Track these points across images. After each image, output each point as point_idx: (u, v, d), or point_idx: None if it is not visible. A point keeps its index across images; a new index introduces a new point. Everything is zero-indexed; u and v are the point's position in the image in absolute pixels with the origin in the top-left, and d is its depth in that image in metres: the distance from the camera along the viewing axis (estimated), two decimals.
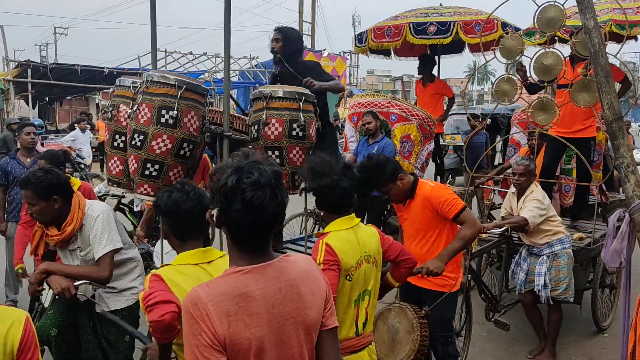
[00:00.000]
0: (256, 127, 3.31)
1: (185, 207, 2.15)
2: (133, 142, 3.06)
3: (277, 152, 3.29)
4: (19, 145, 5.88)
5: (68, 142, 12.48)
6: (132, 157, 3.09)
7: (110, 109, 3.37)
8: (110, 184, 3.45)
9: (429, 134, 6.80)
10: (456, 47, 7.71)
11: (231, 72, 22.21)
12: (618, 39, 5.83)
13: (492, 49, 5.76)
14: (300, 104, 3.27)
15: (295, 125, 3.26)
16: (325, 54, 24.28)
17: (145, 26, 3.81)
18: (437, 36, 6.58)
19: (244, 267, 1.53)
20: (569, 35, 5.51)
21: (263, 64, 22.81)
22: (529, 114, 5.42)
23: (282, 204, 1.54)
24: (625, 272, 1.99)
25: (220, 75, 21.37)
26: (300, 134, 3.29)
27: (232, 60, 22.22)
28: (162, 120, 2.99)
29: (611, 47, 5.63)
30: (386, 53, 8.00)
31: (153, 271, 2.07)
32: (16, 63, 17.23)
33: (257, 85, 17.58)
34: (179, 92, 3.00)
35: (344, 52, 28.38)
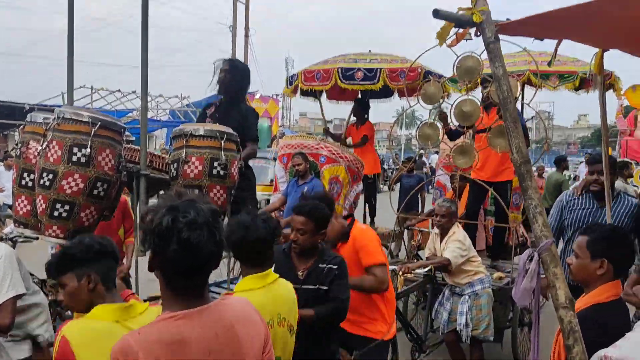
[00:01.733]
0: (175, 165, 3.22)
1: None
2: (41, 182, 2.88)
3: (196, 192, 3.20)
4: None
5: None
6: (41, 197, 2.91)
7: (19, 145, 3.17)
8: (16, 224, 3.22)
9: (357, 176, 6.90)
10: (387, 92, 7.96)
11: (161, 110, 21.93)
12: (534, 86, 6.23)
13: (415, 95, 5.98)
14: (222, 142, 3.21)
15: (216, 164, 3.20)
16: (257, 96, 24.43)
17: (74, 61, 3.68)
18: (365, 82, 6.79)
19: (178, 312, 1.45)
20: (481, 83, 5.85)
21: (194, 103, 22.62)
22: (451, 157, 5.62)
23: (220, 243, 1.49)
24: (534, 311, 2.04)
25: (150, 114, 20.97)
26: (222, 172, 3.22)
27: (162, 99, 21.97)
28: (74, 158, 2.84)
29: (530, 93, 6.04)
30: (316, 96, 8.15)
31: (64, 331, 1.82)
32: None
33: None
34: (93, 130, 2.87)
35: (277, 95, 28.70)
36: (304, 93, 7.90)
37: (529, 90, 7.75)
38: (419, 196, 8.47)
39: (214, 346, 1.47)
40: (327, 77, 6.90)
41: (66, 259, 1.97)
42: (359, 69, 6.74)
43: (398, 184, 9.20)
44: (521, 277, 1.95)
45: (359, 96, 7.97)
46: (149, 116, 19.23)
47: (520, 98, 7.31)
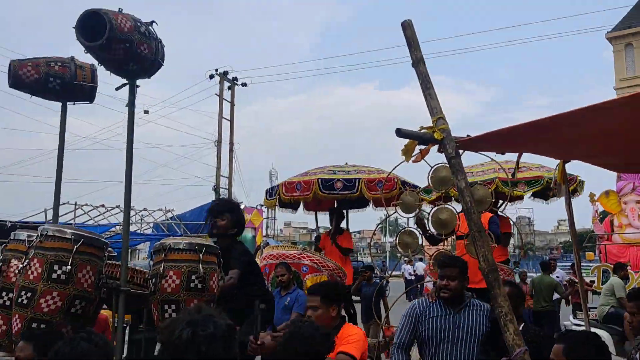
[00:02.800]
0: (154, 280, 3.23)
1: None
2: (19, 300, 2.88)
3: (173, 306, 3.16)
4: None
5: None
6: (17, 315, 2.89)
7: (0, 264, 3.19)
8: None
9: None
10: (361, 202, 8.18)
11: (145, 224, 21.93)
12: (505, 197, 6.46)
13: (392, 204, 6.15)
14: (200, 255, 3.23)
15: (193, 277, 3.19)
16: (242, 207, 24.66)
17: (51, 180, 3.81)
18: (344, 192, 7.01)
19: None
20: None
21: (178, 216, 22.70)
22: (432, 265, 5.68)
23: (235, 356, 1.54)
24: None
25: (134, 227, 20.92)
26: (200, 285, 3.21)
27: (146, 213, 22.05)
28: (54, 275, 2.86)
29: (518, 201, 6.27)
30: (294, 207, 8.32)
31: None
32: None
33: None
34: (75, 246, 2.92)
35: (261, 205, 28.97)
36: (283, 205, 8.07)
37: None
38: (381, 303, 8.39)
39: None
40: (307, 188, 7.12)
41: None
42: (338, 180, 7.00)
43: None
44: None
45: (335, 206, 8.15)
46: (132, 229, 19.25)
47: (495, 206, 7.55)
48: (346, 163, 7.84)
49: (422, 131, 2.02)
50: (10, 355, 3.09)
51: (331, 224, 8.01)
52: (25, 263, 2.95)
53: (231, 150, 27.42)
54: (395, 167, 5.68)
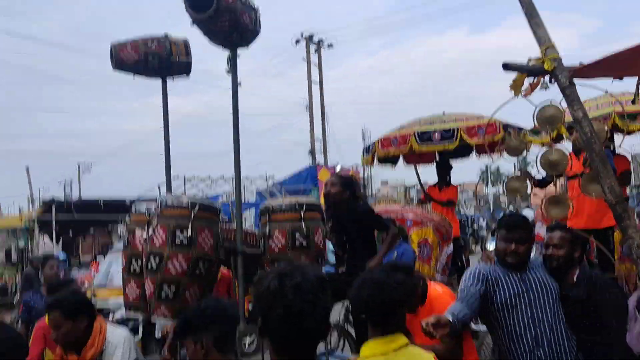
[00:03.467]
0: (262, 240, 3.35)
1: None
2: (149, 266, 3.11)
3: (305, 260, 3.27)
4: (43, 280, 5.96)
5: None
6: (149, 280, 3.13)
7: (126, 235, 3.46)
8: (127, 309, 3.45)
9: (446, 236, 6.78)
10: (464, 151, 7.89)
11: (248, 192, 22.82)
12: (622, 131, 5.96)
13: (497, 150, 5.90)
14: (302, 213, 3.31)
15: (297, 235, 3.29)
16: (338, 168, 24.85)
17: (161, 157, 4.02)
18: (443, 142, 6.79)
19: None
20: (567, 129, 5.66)
21: (279, 182, 23.40)
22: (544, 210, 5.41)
23: (326, 310, 1.46)
24: None
25: None
26: (304, 243, 3.30)
27: (249, 181, 22.94)
28: (177, 241, 3.06)
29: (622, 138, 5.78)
30: (393, 162, 8.22)
31: None
32: (41, 202, 17.88)
33: None
34: (193, 212, 3.09)
35: (357, 166, 29.04)
36: (382, 160, 7.99)
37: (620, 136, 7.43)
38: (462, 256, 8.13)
39: None
40: (403, 142, 6.98)
41: (184, 325, 2.10)
42: (435, 131, 6.78)
43: None
44: (633, 322, 1.84)
45: (437, 158, 7.95)
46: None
47: (610, 142, 7.00)
48: (443, 112, 7.58)
49: (530, 63, 1.89)
50: (146, 315, 3.36)
51: (438, 176, 7.86)
52: (150, 231, 3.17)
53: (323, 114, 27.58)
54: (497, 109, 5.36)
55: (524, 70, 1.91)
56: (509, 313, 3.03)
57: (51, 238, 18.45)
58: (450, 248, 7.02)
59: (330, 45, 27.15)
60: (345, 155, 47.90)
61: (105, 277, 9.33)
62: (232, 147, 3.40)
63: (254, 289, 1.50)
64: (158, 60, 3.82)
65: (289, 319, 1.40)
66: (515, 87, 1.93)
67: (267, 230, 3.34)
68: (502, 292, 3.04)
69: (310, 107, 27.01)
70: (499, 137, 6.37)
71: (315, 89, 26.81)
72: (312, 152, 26.83)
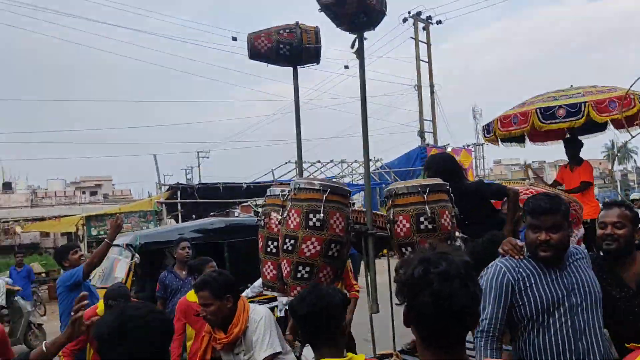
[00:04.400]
0: (389, 225, 3.35)
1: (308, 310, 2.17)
2: (285, 247, 3.26)
3: (409, 249, 3.24)
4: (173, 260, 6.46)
5: None
6: (285, 260, 3.28)
7: (262, 217, 3.64)
8: (265, 288, 3.64)
9: (576, 219, 6.38)
10: (597, 126, 7.34)
11: (357, 175, 22.99)
12: None
13: (636, 124, 5.45)
14: (425, 195, 3.23)
15: (422, 219, 3.22)
16: (449, 149, 24.31)
17: (274, 142, 4.19)
18: (569, 119, 6.34)
19: None
20: None
21: (387, 164, 23.34)
22: None
23: (475, 296, 1.43)
24: None
25: (347, 180, 22.13)
26: (430, 226, 3.22)
27: (357, 164, 23.11)
28: (310, 223, 3.17)
29: None
30: (519, 141, 7.83)
31: None
32: (167, 187, 19.28)
33: (383, 185, 17.93)
34: (324, 196, 3.18)
35: (468, 145, 28.12)
36: (505, 140, 7.65)
37: None
38: None
39: None
40: (524, 120, 6.62)
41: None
42: (560, 107, 6.33)
43: None
44: None
45: (567, 135, 7.46)
46: (346, 181, 20.29)
47: None
48: (571, 85, 7.08)
49: None
50: (282, 294, 3.54)
51: (568, 155, 7.40)
52: (284, 214, 3.31)
53: (432, 93, 26.96)
54: (637, 80, 4.99)
55: None
56: (543, 325, 2.47)
57: (177, 220, 19.87)
58: (580, 231, 6.60)
59: (439, 22, 26.42)
60: (456, 135, 46.52)
61: None
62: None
63: (397, 275, 1.50)
64: (289, 49, 3.95)
65: (435, 306, 1.38)
66: None
67: (392, 215, 3.32)
68: (534, 299, 2.49)
69: (419, 87, 26.51)
70: (636, 110, 5.88)
71: (424, 67, 26.27)
72: (421, 134, 26.39)
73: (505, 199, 4.49)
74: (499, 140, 7.37)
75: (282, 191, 3.55)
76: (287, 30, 3.89)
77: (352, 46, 3.35)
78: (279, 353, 3.06)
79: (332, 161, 23.07)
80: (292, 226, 3.23)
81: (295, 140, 4.07)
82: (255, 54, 3.96)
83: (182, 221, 20.96)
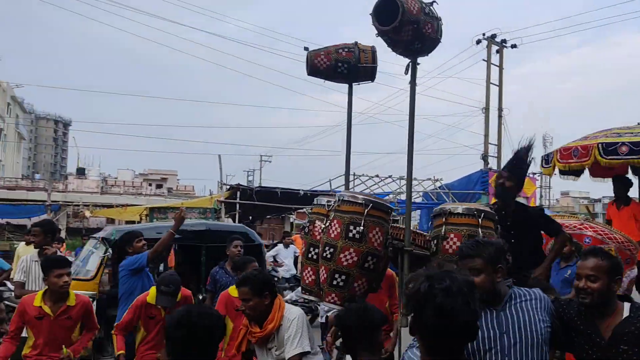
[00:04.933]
0: (435, 241, 3.48)
1: (354, 323, 2.34)
2: (324, 254, 3.44)
3: (454, 266, 3.36)
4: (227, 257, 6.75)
5: (271, 257, 13.59)
6: (323, 267, 3.46)
7: (307, 224, 3.83)
8: (303, 292, 3.83)
9: (630, 259, 6.23)
10: None
11: (415, 193, 22.88)
12: None
13: None
14: (479, 220, 3.36)
15: None
16: None
17: (334, 153, 4.39)
18: (630, 157, 6.20)
19: None
20: None
21: (446, 185, 23.05)
22: None
23: (475, 313, 1.56)
24: None
25: (404, 197, 22.07)
26: None
27: (416, 182, 22.96)
28: (350, 234, 3.34)
29: None
30: (577, 174, 7.69)
31: None
32: (228, 187, 19.88)
33: None
34: (366, 210, 3.34)
35: (534, 174, 27.32)
36: (564, 172, 7.53)
37: None
38: None
39: None
40: (585, 154, 6.51)
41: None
42: (623, 143, 6.20)
43: None
44: None
45: (628, 171, 7.27)
46: (403, 199, 20.37)
47: None
48: (638, 123, 6.91)
49: None
50: (319, 299, 3.71)
51: (615, 193, 7.24)
52: (327, 223, 3.50)
53: (500, 117, 26.42)
54: None
55: None
56: None
57: (234, 220, 20.44)
58: (634, 272, 6.44)
59: (514, 46, 25.92)
60: None
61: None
62: (406, 149, 3.59)
63: (407, 289, 1.65)
64: (347, 67, 4.15)
65: (438, 319, 1.53)
66: None
67: (443, 231, 3.43)
68: None
69: (486, 110, 26.07)
70: None
71: (494, 90, 25.84)
72: (485, 157, 25.89)
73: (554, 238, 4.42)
74: (557, 171, 7.27)
75: (328, 201, 3.73)
76: (346, 50, 4.10)
77: (406, 72, 3.51)
78: (308, 352, 3.23)
79: (390, 177, 23.04)
80: (332, 235, 3.40)
81: (345, 154, 4.25)
82: (314, 70, 4.18)
83: (239, 221, 21.59)
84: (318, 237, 3.66)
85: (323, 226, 3.58)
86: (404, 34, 3.24)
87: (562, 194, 67.10)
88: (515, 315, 2.54)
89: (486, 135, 26.28)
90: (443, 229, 3.42)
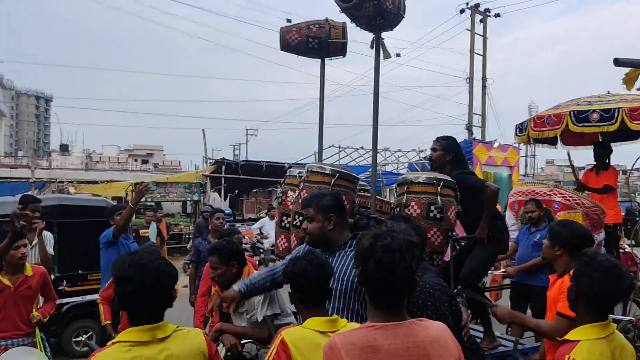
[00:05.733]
0: (398, 209, 3.65)
1: (310, 275, 2.35)
2: (295, 222, 3.60)
3: (404, 226, 3.51)
4: (210, 229, 6.92)
5: (257, 229, 13.79)
6: (294, 235, 3.62)
7: (281, 194, 3.99)
8: (277, 259, 4.00)
9: (597, 223, 6.47)
10: (630, 134, 7.32)
11: (400, 164, 23.07)
12: None
13: None
14: (438, 188, 3.54)
15: (432, 208, 3.53)
16: (495, 145, 23.92)
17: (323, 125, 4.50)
18: (601, 123, 6.37)
19: (376, 323, 1.73)
20: None
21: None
22: None
23: (410, 268, 1.72)
24: None
25: (389, 168, 22.26)
26: (438, 215, 3.53)
27: (401, 153, 23.16)
28: None
29: None
30: (551, 142, 7.87)
31: (283, 334, 2.20)
32: (212, 161, 19.91)
33: None
34: (333, 180, 3.49)
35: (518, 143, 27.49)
36: (538, 141, 7.71)
37: None
38: None
39: (403, 357, 1.69)
40: (557, 122, 6.68)
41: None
42: (594, 111, 6.36)
43: None
44: None
45: (600, 140, 7.47)
46: (388, 169, 20.43)
47: None
48: (608, 92, 7.07)
49: None
50: None
51: (595, 159, 7.45)
52: (297, 193, 3.65)
53: (484, 87, 26.55)
54: None
55: (636, 66, 1.93)
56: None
57: (220, 194, 20.54)
58: (601, 235, 6.68)
59: (497, 15, 25.92)
60: (507, 131, 45.54)
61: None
62: (372, 122, 3.72)
63: (357, 245, 1.83)
64: (318, 43, 4.26)
65: (377, 272, 1.71)
66: (629, 81, 1.96)
67: (404, 199, 3.61)
68: None
69: (470, 80, 26.17)
70: None
71: (478, 60, 25.90)
72: (469, 127, 26.07)
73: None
74: (531, 140, 7.44)
75: (300, 172, 3.87)
76: (317, 26, 4.20)
77: (371, 46, 3.62)
78: (279, 314, 3.42)
79: None
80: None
81: (318, 127, 4.38)
82: (286, 46, 4.28)
83: (225, 195, 21.70)
84: (290, 207, 3.81)
85: (294, 196, 3.73)
86: (365, 10, 3.36)
87: (547, 163, 67.83)
88: (339, 263, 2.82)
89: (470, 106, 26.44)
90: (405, 197, 3.59)
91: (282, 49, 4.33)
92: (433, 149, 4.43)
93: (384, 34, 3.68)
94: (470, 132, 25.91)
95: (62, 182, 25.72)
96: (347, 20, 4.11)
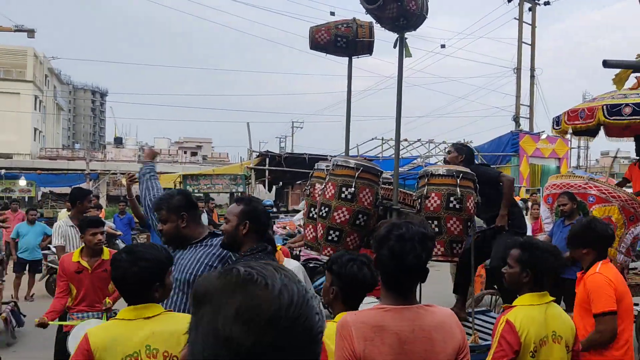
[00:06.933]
0: (419, 200, 3.83)
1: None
2: (321, 213, 3.84)
3: (435, 222, 3.73)
4: None
5: (298, 220, 14.07)
6: (320, 225, 3.87)
7: (309, 187, 4.24)
8: (306, 247, 4.26)
9: (634, 217, 6.42)
10: None
11: (443, 154, 22.88)
12: None
13: None
14: (458, 180, 3.71)
15: (452, 199, 3.70)
16: (543, 136, 23.46)
17: (365, 118, 4.74)
18: (633, 117, 6.30)
19: (386, 306, 1.91)
20: None
21: (477, 147, 22.98)
22: None
23: (419, 257, 1.88)
24: None
25: (433, 160, 22.19)
26: (457, 206, 3.71)
27: (445, 145, 22.99)
28: (342, 195, 3.73)
29: None
30: (592, 134, 7.78)
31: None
32: (257, 153, 20.36)
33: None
34: (357, 173, 3.72)
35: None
36: (578, 133, 7.64)
37: None
38: None
39: (409, 339, 1.86)
40: (590, 115, 6.64)
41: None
42: (627, 105, 6.31)
43: None
44: None
45: None
46: (433, 161, 20.34)
47: None
48: None
49: (638, 59, 2.02)
50: (318, 253, 4.14)
51: (636, 152, 7.33)
52: (323, 186, 3.89)
53: (532, 77, 25.99)
54: None
55: (625, 67, 2.05)
56: None
57: (264, 186, 20.97)
58: (638, 228, 6.62)
59: (547, 3, 25.28)
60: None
61: None
62: (395, 115, 3.91)
63: (376, 232, 2.03)
64: (346, 42, 4.46)
65: (390, 258, 1.90)
66: (619, 81, 2.08)
67: (425, 191, 3.79)
68: None
69: (518, 70, 25.65)
70: None
71: (526, 50, 25.35)
72: (516, 118, 25.58)
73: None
74: (574, 132, 7.38)
75: (327, 166, 4.11)
76: (345, 25, 4.39)
77: (395, 46, 3.81)
78: None
79: (419, 140, 23.12)
80: (327, 196, 3.80)
81: (345, 122, 4.60)
82: (315, 45, 4.50)
83: (269, 187, 22.13)
84: (317, 198, 4.06)
85: (320, 188, 3.97)
86: (389, 12, 3.55)
87: (602, 154, 65.29)
88: (188, 256, 2.87)
89: (517, 97, 25.95)
90: (425, 189, 3.77)
91: (311, 48, 4.55)
92: (448, 152, 4.69)
93: (407, 34, 3.86)
94: (518, 124, 25.41)
95: (115, 173, 26.80)
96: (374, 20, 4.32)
